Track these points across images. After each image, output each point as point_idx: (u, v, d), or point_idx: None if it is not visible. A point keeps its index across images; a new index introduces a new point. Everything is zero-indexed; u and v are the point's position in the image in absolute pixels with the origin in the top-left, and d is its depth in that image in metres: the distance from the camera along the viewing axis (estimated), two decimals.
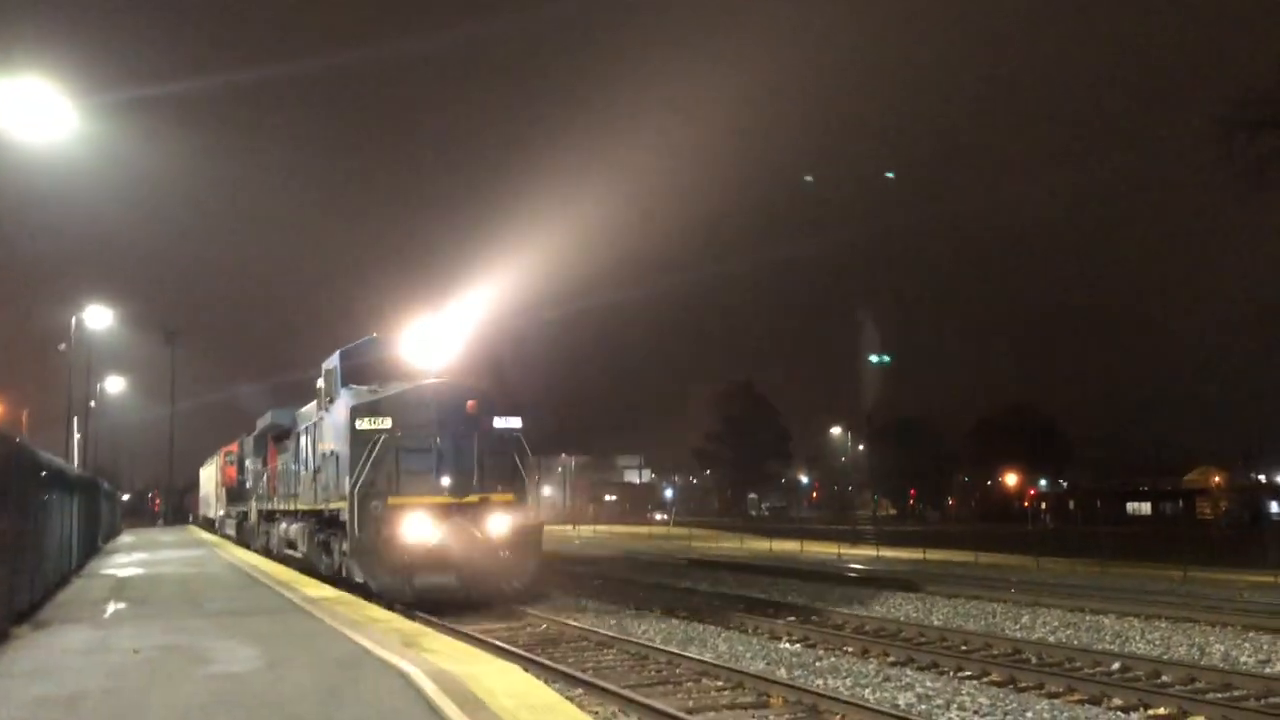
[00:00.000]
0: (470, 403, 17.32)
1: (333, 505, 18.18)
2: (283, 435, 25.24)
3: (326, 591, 15.94)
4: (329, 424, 19.07)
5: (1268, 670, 12.20)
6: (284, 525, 24.05)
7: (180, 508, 72.69)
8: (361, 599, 14.97)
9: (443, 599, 16.58)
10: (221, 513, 42.53)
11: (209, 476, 50.24)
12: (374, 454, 16.77)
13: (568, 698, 8.87)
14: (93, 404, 47.28)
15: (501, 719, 6.73)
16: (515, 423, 17.89)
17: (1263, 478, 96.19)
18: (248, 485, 33.82)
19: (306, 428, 21.37)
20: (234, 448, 38.07)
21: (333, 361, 19.15)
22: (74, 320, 35.78)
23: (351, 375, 18.44)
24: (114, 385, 52.86)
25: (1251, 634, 14.88)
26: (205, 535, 44.32)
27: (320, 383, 20.05)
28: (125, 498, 73.23)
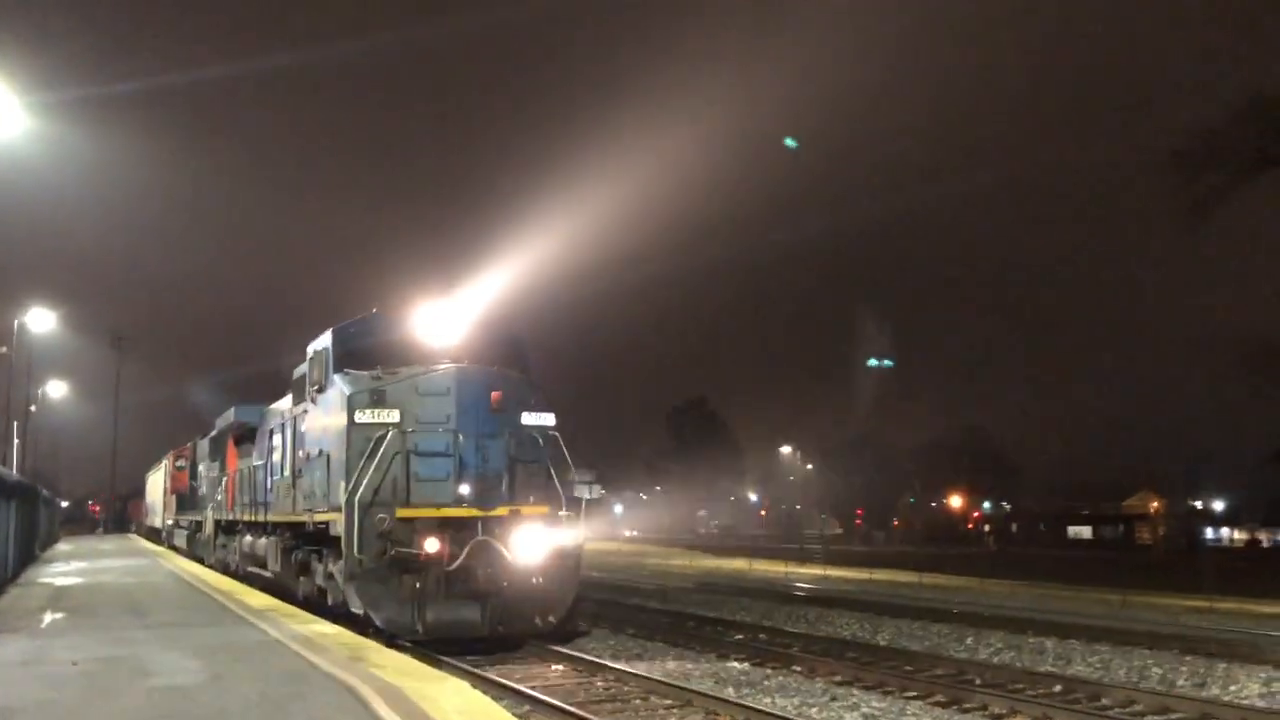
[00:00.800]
0: (495, 393, 14.35)
1: (320, 517, 15.07)
2: (247, 436, 22.52)
3: (270, 603, 15.69)
4: (317, 418, 15.79)
5: (1203, 694, 12.46)
6: (248, 538, 20.89)
7: (122, 516, 71.23)
8: (321, 619, 14.73)
9: (462, 636, 13.75)
10: (170, 522, 39.07)
11: (156, 483, 45.86)
12: (378, 455, 13.73)
13: (516, 714, 8.85)
14: (33, 409, 46.26)
15: None
16: (548, 419, 15.06)
17: (1199, 504, 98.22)
18: (201, 492, 30.26)
19: (281, 425, 18.27)
20: (185, 451, 34.99)
21: (323, 341, 15.68)
22: (16, 323, 35.03)
23: (348, 358, 15.09)
24: (55, 390, 51.75)
25: (1188, 658, 15.19)
26: (149, 545, 43.44)
27: (302, 370, 16.73)
28: (63, 505, 71.67)
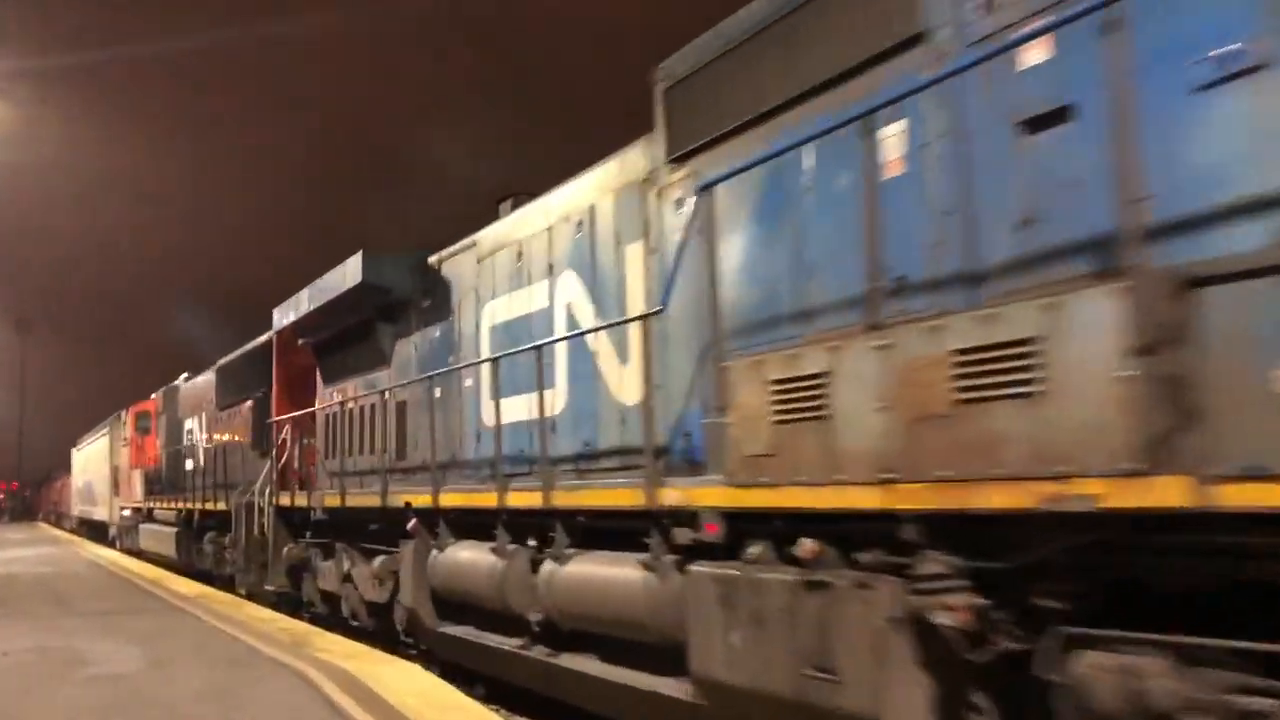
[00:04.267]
0: None
1: None
2: (363, 329, 11.23)
3: (202, 590, 15.34)
4: None
5: None
6: (475, 557, 8.14)
7: (32, 504, 68.94)
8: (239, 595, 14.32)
9: None
10: (128, 513, 26.20)
11: (95, 457, 33.51)
12: None
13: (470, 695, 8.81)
14: None
15: (407, 717, 6.64)
16: None
17: None
18: (191, 464, 19.14)
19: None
20: (149, 405, 24.77)
21: None
22: None
23: None
24: None
25: None
26: (60, 533, 41.95)
27: None
28: None
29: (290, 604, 13.19)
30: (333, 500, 11.14)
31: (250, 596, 14.14)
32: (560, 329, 7.74)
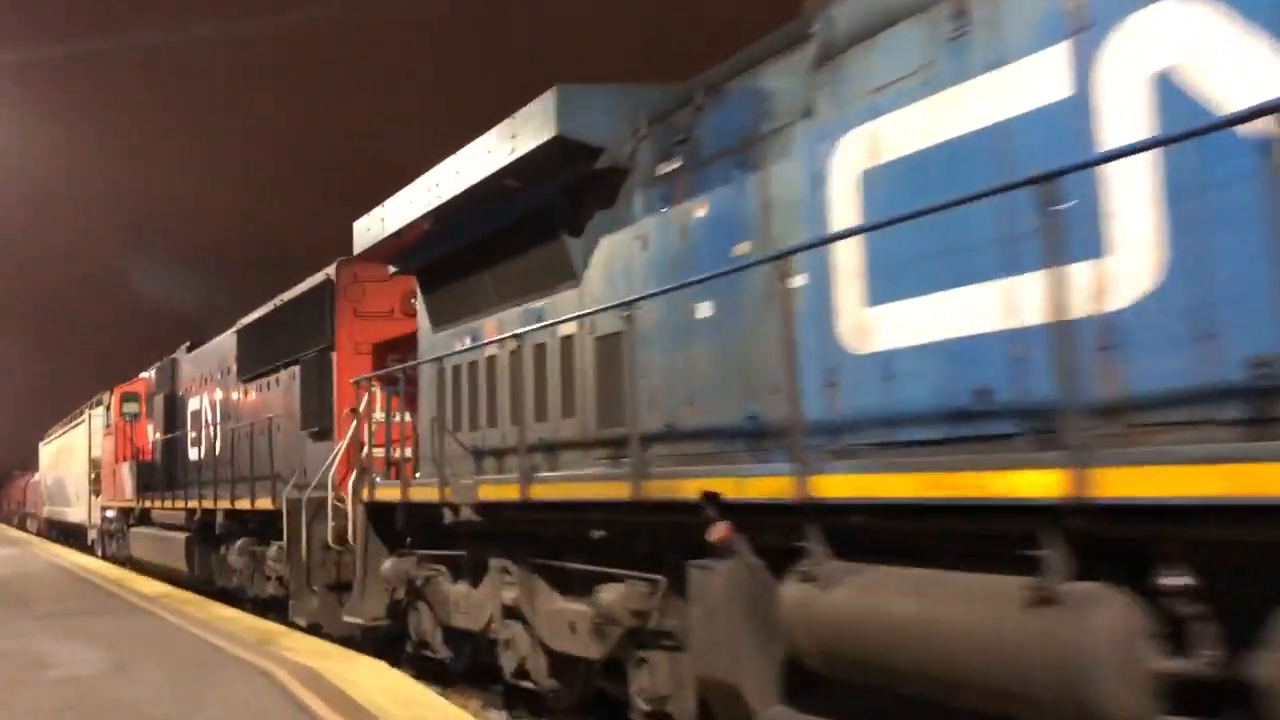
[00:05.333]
0: None
1: None
2: (542, 218, 7.03)
3: (163, 589, 15.19)
4: None
5: None
6: (932, 608, 3.71)
7: None
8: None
9: None
10: (111, 513, 22.70)
11: (70, 450, 29.12)
12: None
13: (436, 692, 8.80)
14: None
15: (374, 714, 6.63)
16: None
17: None
18: (199, 453, 16.43)
19: None
20: (139, 386, 21.11)
21: None
22: None
23: None
24: None
25: None
26: (15, 533, 41.25)
27: None
28: None
29: (379, 645, 9.51)
30: (500, 492, 6.88)
31: (313, 630, 10.58)
32: (1115, 135, 3.53)
